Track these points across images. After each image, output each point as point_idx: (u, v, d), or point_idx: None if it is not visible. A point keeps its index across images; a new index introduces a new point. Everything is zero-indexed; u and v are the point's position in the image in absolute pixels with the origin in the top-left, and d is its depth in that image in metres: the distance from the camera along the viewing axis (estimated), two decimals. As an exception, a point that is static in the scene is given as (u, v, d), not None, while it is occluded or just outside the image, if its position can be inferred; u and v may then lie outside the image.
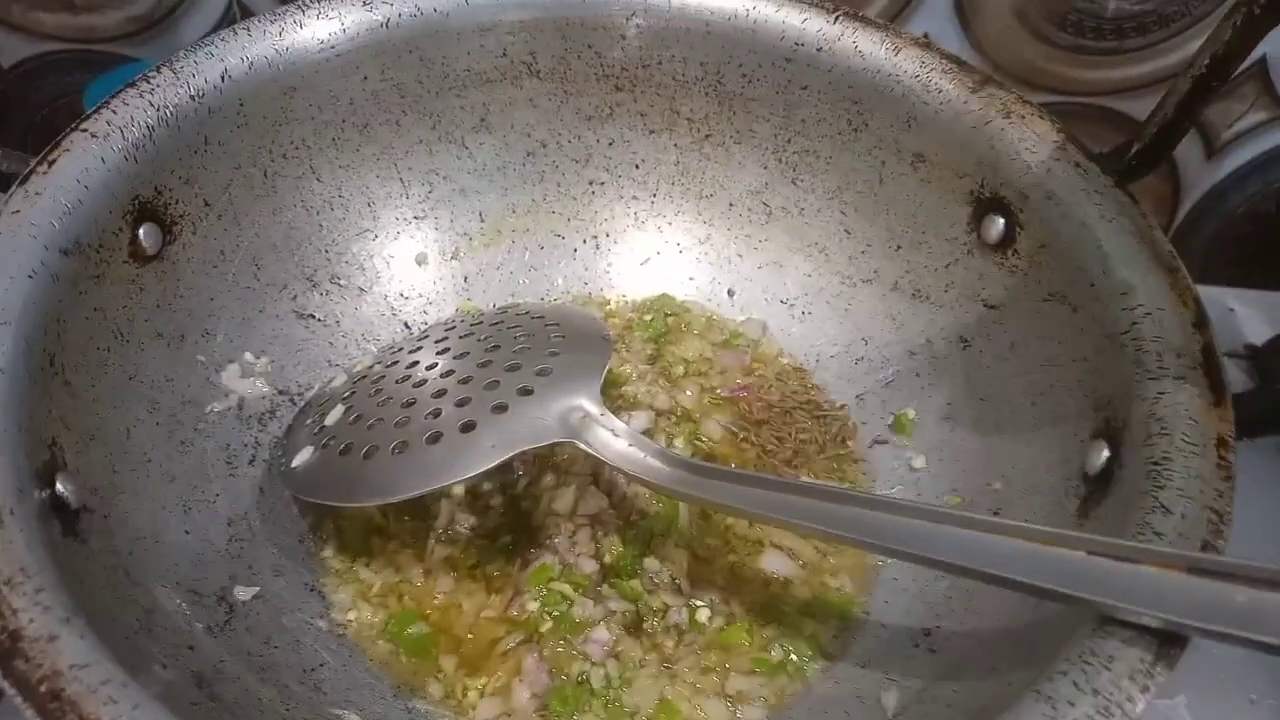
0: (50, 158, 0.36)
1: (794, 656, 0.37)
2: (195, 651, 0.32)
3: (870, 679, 0.36)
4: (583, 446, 0.36)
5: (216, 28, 0.65)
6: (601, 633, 0.37)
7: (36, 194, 0.35)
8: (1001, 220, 0.41)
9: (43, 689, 0.24)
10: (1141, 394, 0.33)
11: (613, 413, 0.38)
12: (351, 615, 0.38)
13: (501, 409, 0.37)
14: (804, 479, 0.43)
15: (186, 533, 0.37)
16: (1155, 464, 0.31)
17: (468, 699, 0.36)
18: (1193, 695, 0.44)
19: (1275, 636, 0.24)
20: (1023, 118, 0.41)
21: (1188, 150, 0.68)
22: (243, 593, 0.36)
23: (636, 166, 0.50)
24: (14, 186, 0.35)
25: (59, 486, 0.31)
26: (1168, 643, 0.26)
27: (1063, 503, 0.35)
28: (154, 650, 0.30)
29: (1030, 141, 0.40)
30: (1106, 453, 0.34)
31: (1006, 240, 0.41)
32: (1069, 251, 0.38)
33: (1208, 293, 0.38)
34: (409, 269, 0.48)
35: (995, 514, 0.39)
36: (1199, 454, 0.30)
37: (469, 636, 0.38)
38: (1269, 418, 0.33)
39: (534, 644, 0.37)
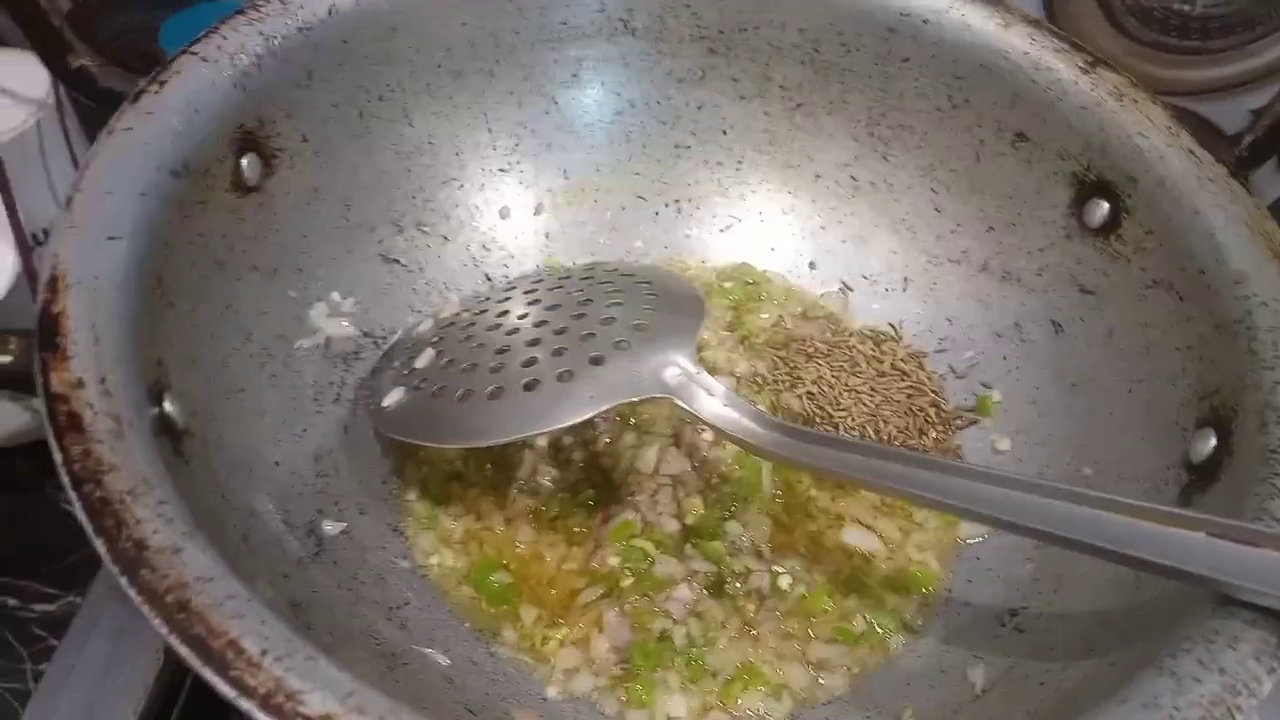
0: (161, 78, 0.36)
1: (877, 628, 0.37)
2: (289, 579, 0.32)
3: (955, 655, 0.35)
4: (680, 404, 0.36)
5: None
6: (683, 591, 0.37)
7: (148, 113, 0.35)
8: (1106, 205, 0.41)
9: (169, 599, 0.24)
10: (1256, 383, 0.32)
11: (696, 375, 0.37)
12: (434, 559, 0.38)
13: (598, 361, 0.37)
14: (905, 449, 0.42)
15: (276, 464, 0.37)
16: (1273, 451, 0.30)
17: (547, 647, 0.36)
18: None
19: None
20: (1135, 101, 0.40)
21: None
22: (330, 527, 0.36)
23: (724, 132, 0.50)
24: (125, 104, 0.35)
25: (167, 405, 0.31)
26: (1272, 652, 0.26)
27: (1161, 490, 0.35)
28: (256, 571, 0.30)
29: (1142, 126, 0.40)
30: (1214, 441, 0.33)
31: (1110, 225, 0.41)
32: (1178, 239, 0.38)
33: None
34: (492, 221, 0.48)
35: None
36: (1319, 444, 0.30)
37: (549, 588, 0.38)
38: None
39: (615, 598, 0.37)
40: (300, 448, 0.38)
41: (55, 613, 0.47)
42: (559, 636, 0.36)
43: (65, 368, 0.28)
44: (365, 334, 0.43)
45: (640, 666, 0.35)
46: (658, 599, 0.37)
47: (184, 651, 0.23)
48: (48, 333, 0.28)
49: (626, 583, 0.37)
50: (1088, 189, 0.41)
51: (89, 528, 0.25)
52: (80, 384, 0.27)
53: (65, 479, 0.26)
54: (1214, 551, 0.27)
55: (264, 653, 0.23)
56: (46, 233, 0.50)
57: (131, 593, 0.24)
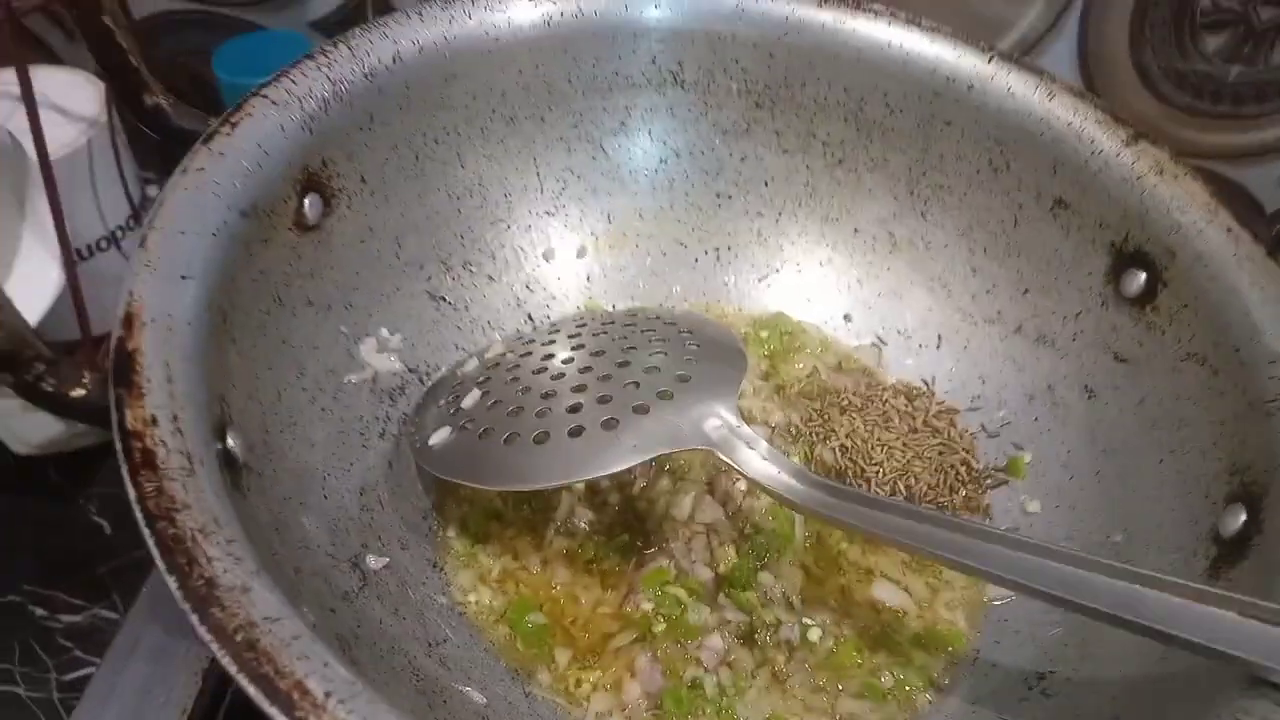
0: (233, 119, 0.37)
1: (905, 685, 0.38)
2: (336, 615, 0.33)
3: (982, 716, 0.36)
4: (723, 457, 0.37)
5: (344, 4, 0.66)
6: (715, 640, 0.38)
7: (220, 154, 0.36)
8: (1143, 275, 0.42)
9: (239, 638, 0.25)
10: (1287, 464, 0.33)
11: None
12: (472, 597, 0.39)
13: (642, 410, 0.37)
14: (941, 512, 0.43)
15: (325, 497, 0.38)
16: (1305, 533, 0.31)
17: (580, 690, 0.37)
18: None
19: None
20: (1175, 176, 0.41)
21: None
22: (374, 562, 0.37)
23: (766, 184, 0.51)
24: (198, 144, 0.36)
25: (229, 441, 0.32)
26: (1326, 714, 0.27)
27: (1190, 562, 0.36)
28: (307, 604, 0.31)
29: (1181, 200, 0.41)
30: (1244, 517, 0.34)
31: (1147, 296, 0.42)
32: (1214, 314, 0.38)
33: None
34: (537, 262, 0.49)
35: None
36: (1354, 529, 0.31)
37: (583, 631, 0.39)
38: None
39: (647, 644, 0.38)
40: (346, 481, 0.39)
41: (82, 624, 0.48)
42: (592, 680, 0.37)
43: (140, 405, 0.29)
44: (411, 370, 0.45)
45: (672, 713, 0.36)
46: (690, 646, 0.38)
47: (251, 691, 0.24)
48: (123, 369, 0.29)
49: (659, 628, 0.38)
50: (1125, 259, 0.42)
51: (161, 564, 0.26)
52: (154, 421, 0.28)
53: (139, 515, 0.27)
54: (1244, 631, 0.28)
55: (328, 695, 0.24)
56: (91, 248, 0.52)
57: (202, 631, 0.25)
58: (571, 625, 0.39)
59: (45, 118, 0.40)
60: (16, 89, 0.41)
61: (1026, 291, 0.46)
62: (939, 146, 0.47)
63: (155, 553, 0.26)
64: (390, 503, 0.40)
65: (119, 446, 0.28)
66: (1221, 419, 0.37)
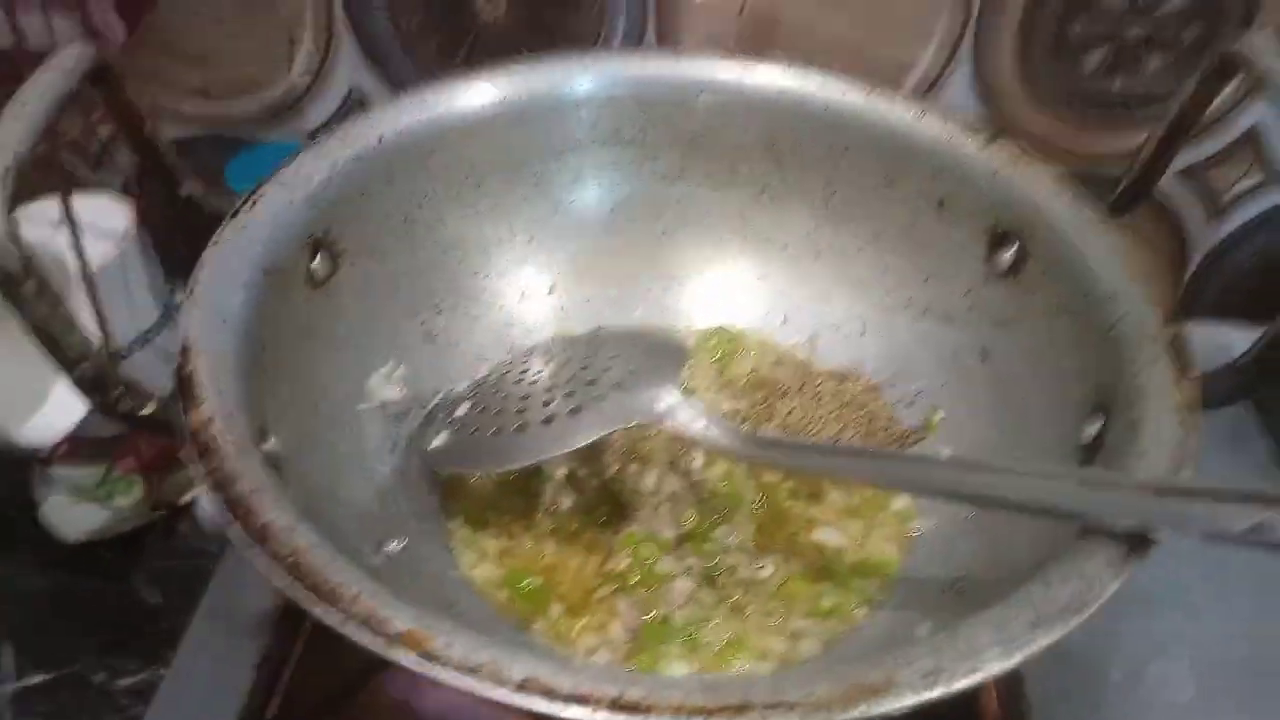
0: (252, 199, 0.46)
1: (843, 604, 0.44)
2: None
3: (907, 618, 0.43)
4: (669, 424, 0.44)
5: (336, 115, 0.76)
6: (682, 583, 0.45)
7: (243, 226, 0.45)
8: (1012, 251, 0.50)
9: (289, 560, 0.32)
10: (1125, 375, 0.41)
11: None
12: (476, 571, 0.46)
13: (600, 398, 0.46)
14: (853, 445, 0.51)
15: (351, 497, 0.46)
16: (1133, 422, 0.38)
17: (572, 633, 0.44)
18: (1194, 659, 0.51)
19: (1221, 528, 0.32)
20: (1028, 164, 0.50)
21: (1192, 212, 0.76)
22: (394, 545, 0.45)
23: (703, 217, 0.60)
24: (226, 219, 0.45)
25: (271, 443, 0.40)
26: (1137, 544, 0.34)
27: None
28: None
29: (1034, 184, 0.49)
30: (1099, 425, 0.42)
31: (1017, 267, 0.50)
32: (1068, 272, 0.46)
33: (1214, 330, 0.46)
34: (514, 301, 0.58)
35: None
36: (1169, 413, 0.38)
37: (572, 589, 0.46)
38: (1230, 393, 0.41)
39: (625, 592, 0.45)
40: (367, 486, 0.47)
41: (138, 684, 0.54)
42: (581, 624, 0.44)
43: (199, 410, 0.37)
44: (413, 397, 0.53)
45: (647, 642, 0.43)
46: (660, 591, 0.45)
47: (301, 594, 0.32)
48: (185, 386, 0.38)
49: (634, 580, 0.45)
50: (997, 240, 0.50)
51: (229, 517, 0.34)
52: (211, 421, 0.37)
53: (208, 486, 0.35)
54: (1081, 494, 0.35)
55: (359, 593, 0.32)
56: (129, 348, 0.60)
57: (263, 559, 0.33)
58: (561, 585, 0.46)
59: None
60: (52, 215, 0.50)
61: (928, 279, 0.54)
62: (843, 167, 0.56)
63: (225, 510, 0.34)
64: (404, 502, 0.48)
65: (188, 440, 0.36)
66: (1083, 354, 0.45)
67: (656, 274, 0.60)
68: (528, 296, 0.58)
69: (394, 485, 0.48)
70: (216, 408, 0.37)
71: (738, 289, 0.60)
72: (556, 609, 0.45)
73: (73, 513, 0.58)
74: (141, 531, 0.60)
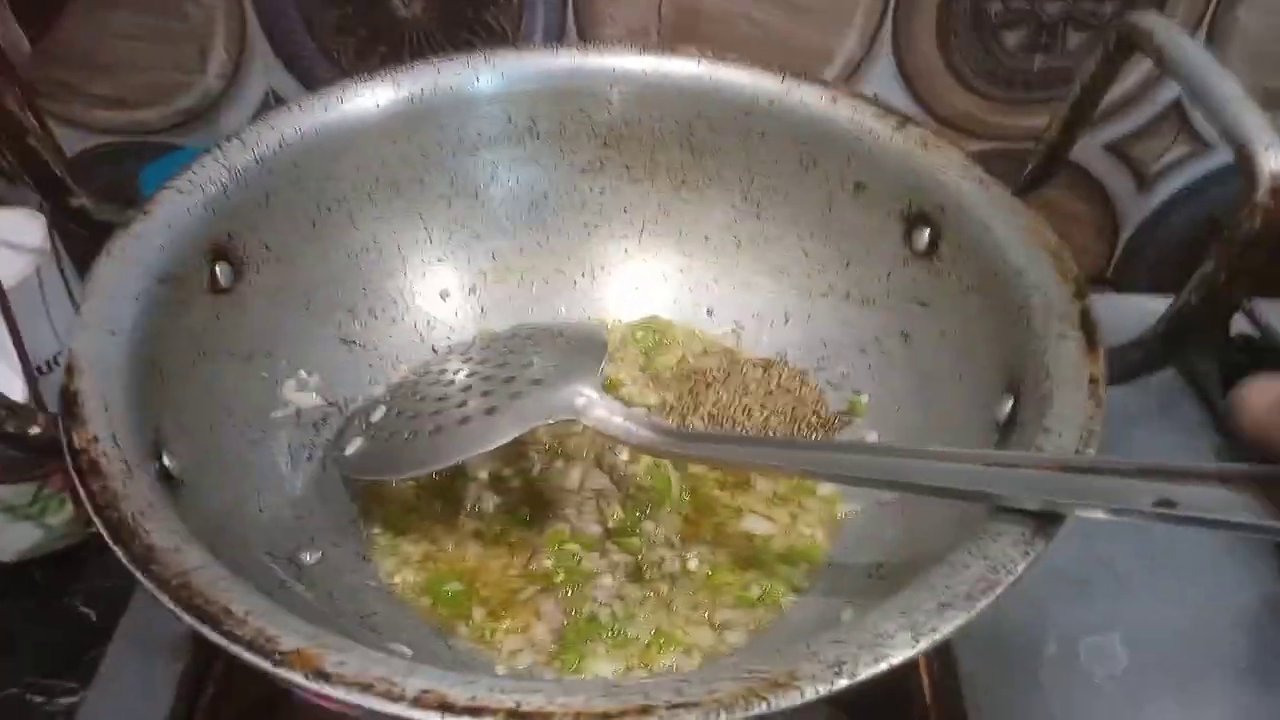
0: (147, 208, 0.45)
1: (770, 592, 0.44)
2: (273, 597, 0.39)
3: (832, 604, 0.43)
4: (586, 421, 0.44)
5: (254, 118, 0.74)
6: (607, 580, 0.44)
7: (137, 236, 0.44)
8: (927, 231, 0.50)
9: (174, 582, 0.31)
10: (1034, 350, 0.41)
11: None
12: (397, 578, 0.45)
13: (517, 395, 0.45)
14: (771, 435, 0.51)
15: (260, 510, 0.44)
16: (1042, 399, 0.38)
17: (495, 637, 0.43)
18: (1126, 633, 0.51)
19: (1126, 504, 0.32)
20: (938, 147, 0.50)
21: (1121, 184, 0.77)
22: (309, 557, 0.44)
23: (624, 210, 0.59)
24: (117, 229, 0.44)
25: (165, 460, 0.39)
26: (1046, 522, 0.33)
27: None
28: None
29: (944, 165, 0.49)
30: (1011, 402, 0.41)
31: (932, 248, 0.49)
32: (979, 250, 0.46)
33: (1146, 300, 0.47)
34: (434, 302, 0.57)
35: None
36: (1076, 389, 0.38)
37: (495, 591, 0.45)
38: (1140, 366, 0.41)
39: (549, 592, 0.44)
40: (280, 497, 0.46)
41: (78, 704, 0.51)
42: (504, 627, 0.43)
43: (83, 429, 0.36)
44: (330, 403, 0.52)
45: (573, 642, 0.42)
46: (586, 588, 0.44)
47: (187, 617, 0.30)
48: (68, 404, 0.36)
49: (559, 579, 0.44)
50: (912, 221, 0.50)
51: (109, 539, 0.32)
52: (95, 439, 0.35)
53: (89, 508, 0.33)
54: (987, 475, 0.35)
55: (248, 613, 0.30)
56: (50, 364, 0.58)
57: (146, 582, 0.31)
58: (484, 588, 0.45)
59: (-4, 254, 0.47)
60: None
61: (848, 264, 0.54)
62: (759, 155, 0.56)
63: (104, 532, 0.33)
64: (321, 511, 0.47)
65: (69, 463, 0.35)
66: (994, 332, 0.45)
67: (579, 269, 0.59)
68: (447, 296, 0.57)
69: (309, 495, 0.47)
70: (102, 426, 0.36)
71: (661, 281, 0.59)
72: (479, 613, 0.44)
73: (6, 532, 0.56)
74: (76, 549, 0.59)
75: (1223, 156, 0.73)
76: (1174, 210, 0.78)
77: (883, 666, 0.30)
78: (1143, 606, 0.54)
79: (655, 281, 0.59)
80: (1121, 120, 0.73)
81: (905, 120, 0.51)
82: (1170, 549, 0.56)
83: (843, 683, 0.29)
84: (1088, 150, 0.75)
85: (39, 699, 0.53)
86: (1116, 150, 0.75)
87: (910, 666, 0.30)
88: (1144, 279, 0.80)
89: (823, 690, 0.29)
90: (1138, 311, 0.43)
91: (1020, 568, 0.32)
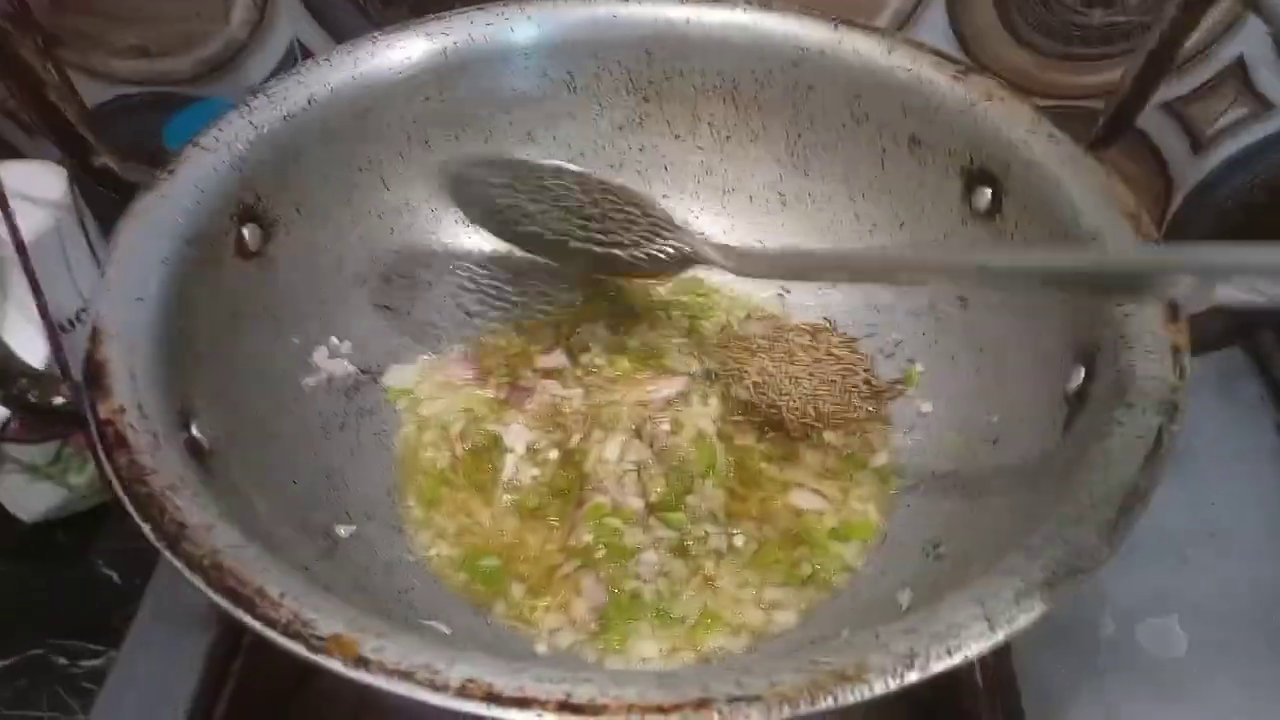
0: (171, 168, 0.43)
1: (822, 571, 0.42)
2: (309, 571, 0.38)
3: (888, 583, 0.41)
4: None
5: (279, 68, 0.72)
6: (650, 556, 0.43)
7: (162, 196, 0.42)
8: (989, 190, 0.47)
9: (206, 563, 0.30)
10: (1110, 320, 0.38)
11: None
12: (432, 552, 0.44)
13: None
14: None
15: (294, 482, 0.43)
16: (1120, 371, 0.36)
17: (534, 615, 0.42)
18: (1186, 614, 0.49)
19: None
20: (1002, 99, 0.47)
21: (1175, 146, 0.73)
22: (343, 530, 0.42)
23: (665, 169, 0.57)
24: (142, 190, 0.42)
25: (194, 430, 0.37)
26: (1133, 500, 0.31)
27: (1050, 424, 0.40)
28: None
29: (1010, 119, 0.46)
30: (1083, 373, 0.39)
31: (994, 207, 0.47)
32: (1047, 210, 0.44)
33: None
34: (468, 264, 0.55)
35: (994, 443, 0.44)
36: (1157, 360, 0.35)
37: (534, 567, 0.43)
38: (1221, 336, 0.39)
39: (590, 568, 0.43)
40: (313, 467, 0.45)
41: (101, 667, 0.52)
42: (544, 604, 0.42)
43: (109, 399, 0.34)
44: (364, 371, 0.50)
45: (615, 620, 0.41)
46: (628, 565, 0.42)
47: (220, 600, 0.29)
48: (93, 374, 0.35)
49: (600, 554, 0.43)
50: (973, 178, 0.48)
51: (137, 517, 0.31)
52: (122, 410, 0.34)
53: (116, 484, 0.32)
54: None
55: (283, 595, 0.29)
56: (71, 321, 0.57)
57: (176, 562, 0.30)
58: (522, 564, 0.43)
59: (16, 207, 0.46)
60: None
61: (902, 224, 0.52)
62: (807, 109, 0.53)
63: (131, 509, 0.31)
64: (354, 483, 0.45)
65: (95, 435, 0.33)
66: (1062, 298, 0.42)
67: (620, 230, 0.57)
68: (484, 259, 0.55)
69: (343, 465, 0.46)
70: (129, 396, 0.34)
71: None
72: (518, 589, 0.43)
73: (29, 492, 0.56)
74: (98, 512, 0.58)
75: (1280, 120, 0.70)
76: (1230, 175, 0.74)
77: (957, 659, 0.28)
78: (1202, 584, 0.52)
79: (697, 244, 0.57)
80: (1180, 79, 0.70)
81: (968, 70, 0.48)
82: (1228, 523, 0.54)
83: (913, 676, 0.27)
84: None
85: (62, 661, 0.52)
86: (1172, 110, 0.71)
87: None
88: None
89: (893, 684, 0.27)
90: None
91: (1104, 555, 0.30)
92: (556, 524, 0.45)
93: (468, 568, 0.43)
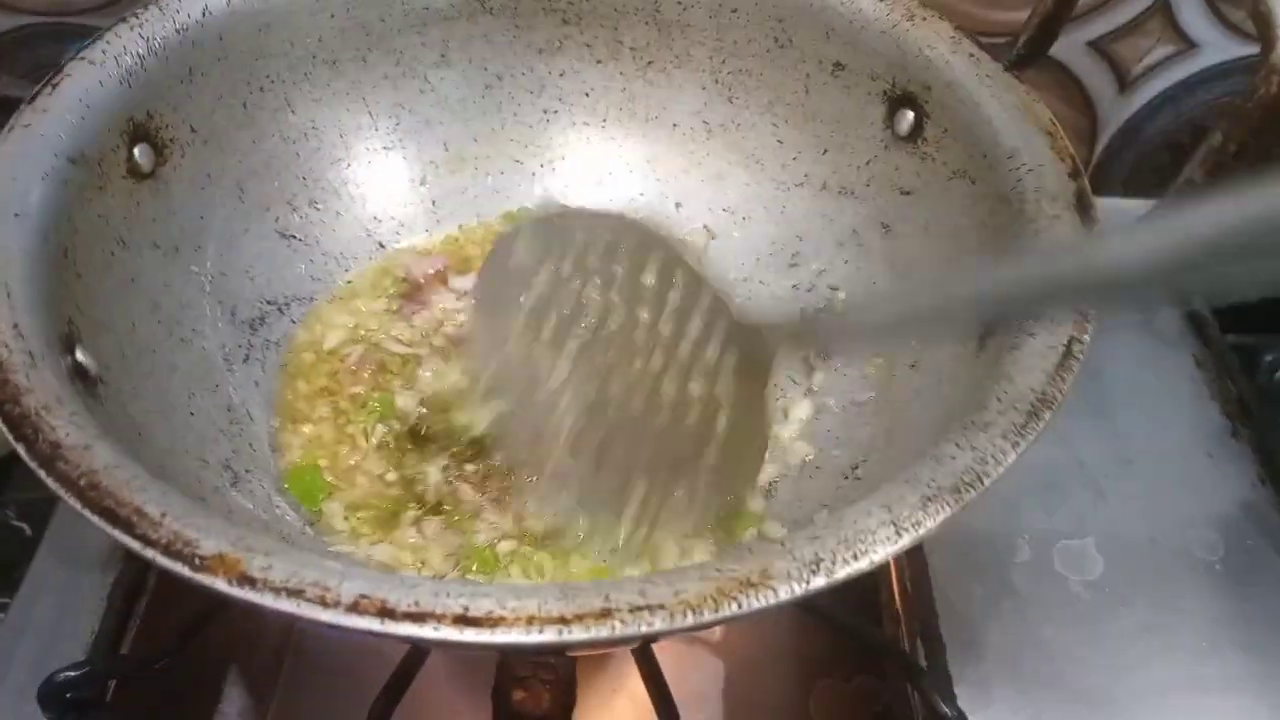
0: (54, 81, 0.40)
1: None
2: (206, 502, 0.37)
3: (806, 509, 0.40)
4: None
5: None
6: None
7: (44, 110, 0.39)
8: (911, 113, 0.46)
9: (82, 482, 0.28)
10: (1025, 235, 0.38)
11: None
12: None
13: None
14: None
15: (192, 414, 0.41)
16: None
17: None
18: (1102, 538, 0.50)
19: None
20: (924, 19, 0.46)
21: (1101, 85, 0.73)
22: (242, 468, 0.41)
23: (586, 95, 0.55)
24: (23, 104, 0.39)
25: (79, 355, 0.35)
26: (1040, 404, 0.31)
27: (965, 345, 0.40)
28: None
29: (931, 40, 0.45)
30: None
31: (916, 131, 0.46)
32: (967, 131, 0.43)
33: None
34: (381, 194, 0.53)
35: (912, 367, 0.44)
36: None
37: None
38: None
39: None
40: (214, 401, 0.43)
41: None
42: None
43: (-20, 318, 0.32)
44: (269, 302, 0.48)
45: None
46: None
47: (97, 520, 0.27)
48: (-37, 291, 0.32)
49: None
50: (895, 102, 0.47)
51: (9, 436, 0.29)
52: (-7, 329, 0.32)
53: (-13, 403, 0.30)
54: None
55: (164, 514, 0.27)
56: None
57: (50, 482, 0.28)
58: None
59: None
60: None
61: (825, 151, 0.51)
62: (731, 34, 0.52)
63: (4, 429, 0.29)
64: (260, 418, 0.44)
65: (-35, 354, 0.31)
66: (982, 220, 0.42)
67: (538, 159, 0.55)
68: (396, 188, 0.53)
69: (246, 398, 0.44)
70: (4, 315, 0.32)
71: (627, 173, 0.55)
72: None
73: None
74: (6, 461, 0.55)
75: (1205, 59, 0.70)
76: (1155, 114, 0.75)
77: (863, 564, 0.27)
78: (1117, 510, 0.53)
79: (620, 173, 0.55)
80: (1105, 15, 0.70)
81: (889, -9, 0.47)
82: (1145, 453, 0.55)
83: (820, 581, 0.27)
84: (1069, 48, 0.71)
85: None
86: (1098, 48, 0.71)
87: (880, 569, 0.28)
88: (1120, 185, 0.78)
89: (799, 590, 0.26)
90: (1117, 216, 0.41)
91: (1010, 458, 0.30)
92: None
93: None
